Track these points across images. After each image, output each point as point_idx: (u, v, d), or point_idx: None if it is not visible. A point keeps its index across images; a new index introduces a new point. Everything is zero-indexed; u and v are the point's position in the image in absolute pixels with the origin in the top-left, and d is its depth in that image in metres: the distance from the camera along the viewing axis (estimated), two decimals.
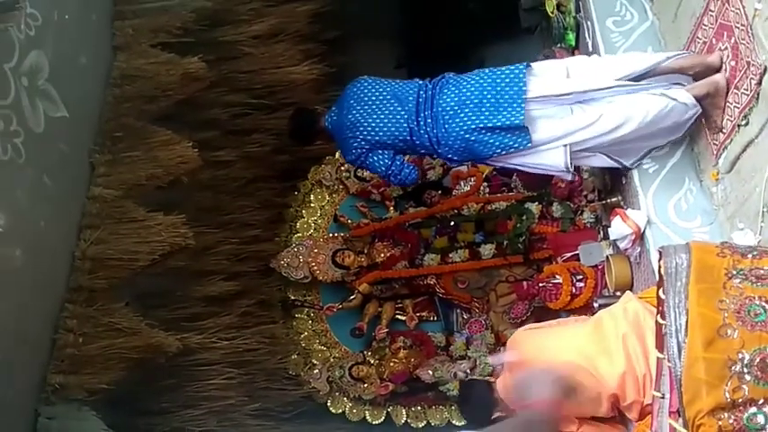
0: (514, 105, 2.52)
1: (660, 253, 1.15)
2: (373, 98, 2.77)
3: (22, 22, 2.55)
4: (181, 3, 3.29)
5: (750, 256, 1.02)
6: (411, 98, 2.70)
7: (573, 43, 3.39)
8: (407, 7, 4.87)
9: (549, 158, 2.59)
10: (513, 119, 2.50)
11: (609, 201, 3.00)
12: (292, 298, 4.24)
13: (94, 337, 2.74)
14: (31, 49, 2.64)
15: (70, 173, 2.88)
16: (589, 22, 3.09)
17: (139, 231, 2.82)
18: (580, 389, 1.79)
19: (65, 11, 2.88)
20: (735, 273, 0.99)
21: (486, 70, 2.68)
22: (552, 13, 3.39)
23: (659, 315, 1.27)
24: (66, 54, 2.87)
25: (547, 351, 2.20)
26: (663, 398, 1.34)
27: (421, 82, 2.77)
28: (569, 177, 2.72)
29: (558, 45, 3.50)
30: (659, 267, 1.17)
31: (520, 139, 2.54)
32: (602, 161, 2.67)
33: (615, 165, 2.68)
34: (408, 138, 2.70)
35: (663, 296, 1.14)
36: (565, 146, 2.54)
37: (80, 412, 2.64)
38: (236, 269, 3.63)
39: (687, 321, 1.03)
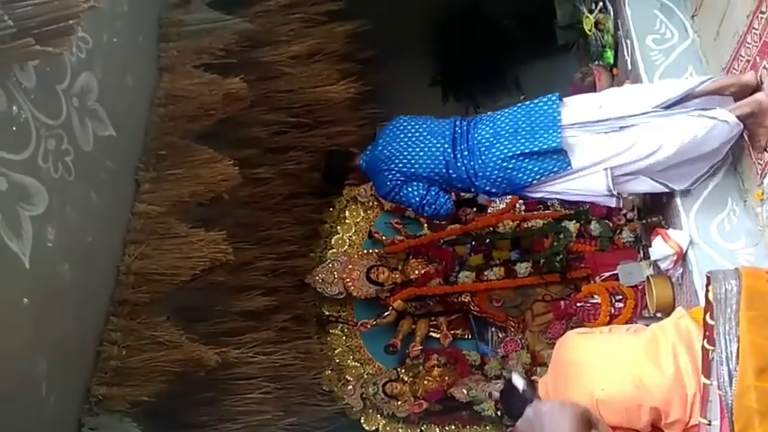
0: (551, 130, 2.51)
1: (708, 278, 1.13)
2: (409, 134, 2.78)
3: (74, 46, 2.65)
4: (223, 25, 3.38)
5: None
6: (447, 133, 2.71)
7: (612, 61, 3.37)
8: (442, 25, 4.91)
9: (591, 183, 2.54)
10: (550, 142, 2.49)
11: (649, 220, 2.96)
12: (327, 313, 4.28)
13: (137, 349, 2.80)
14: (82, 70, 2.74)
15: (116, 190, 2.97)
16: (628, 41, 3.07)
17: (181, 247, 2.88)
18: (599, 425, 1.75)
19: (113, 34, 2.98)
20: None
21: (518, 105, 2.70)
22: (590, 31, 3.38)
23: (706, 340, 1.25)
24: (114, 75, 2.98)
25: (600, 356, 2.14)
26: (709, 425, 1.31)
27: (455, 119, 2.79)
28: (614, 203, 2.63)
29: (597, 63, 3.48)
30: (707, 293, 1.16)
31: (559, 163, 2.51)
32: (646, 185, 2.60)
33: (662, 188, 2.60)
34: (444, 171, 2.68)
35: (711, 322, 1.12)
36: (605, 170, 2.50)
37: (122, 423, 2.69)
38: (273, 284, 3.68)
39: (738, 349, 1.01)
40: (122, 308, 2.84)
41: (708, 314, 1.14)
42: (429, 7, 4.50)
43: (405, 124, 2.83)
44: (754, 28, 2.47)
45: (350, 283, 4.17)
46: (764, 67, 2.43)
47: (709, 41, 2.86)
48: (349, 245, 4.50)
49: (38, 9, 2.19)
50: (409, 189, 2.73)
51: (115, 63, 2.99)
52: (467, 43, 4.88)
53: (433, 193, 2.73)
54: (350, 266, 4.23)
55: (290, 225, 4.00)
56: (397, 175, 2.72)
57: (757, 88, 2.46)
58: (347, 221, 4.56)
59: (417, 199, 2.72)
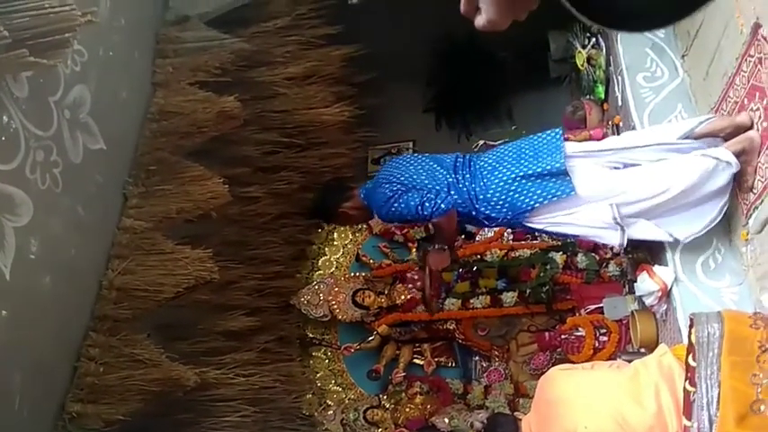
0: (554, 154, 2.50)
1: (691, 320, 1.13)
2: (411, 160, 2.76)
3: (69, 58, 2.65)
4: (220, 44, 3.40)
5: None
6: (449, 162, 2.69)
7: (602, 96, 3.41)
8: (439, 53, 4.97)
9: (596, 214, 2.46)
10: (554, 163, 2.47)
11: (635, 255, 2.97)
12: (310, 336, 4.24)
13: (115, 366, 2.76)
14: (76, 83, 2.74)
15: (103, 203, 2.95)
16: (619, 77, 3.12)
17: (166, 264, 2.86)
18: None
19: (109, 48, 2.99)
20: None
21: (521, 138, 2.68)
22: (582, 65, 3.43)
23: (688, 381, 1.24)
24: (108, 89, 2.98)
25: (582, 393, 2.12)
26: None
27: (457, 153, 2.76)
28: (618, 238, 2.48)
29: (588, 97, 3.53)
30: (690, 335, 1.16)
31: (563, 187, 2.45)
32: (649, 231, 2.51)
33: (666, 237, 2.52)
34: (446, 191, 2.61)
35: (693, 364, 1.12)
36: (611, 204, 2.44)
37: None
38: (257, 304, 3.65)
39: (719, 394, 1.01)
40: (102, 323, 2.80)
41: (690, 355, 1.14)
42: (426, 35, 4.56)
43: (409, 156, 2.86)
44: (742, 70, 2.51)
45: (335, 306, 4.14)
46: (752, 110, 2.47)
47: (699, 81, 2.90)
48: (336, 267, 4.49)
49: (34, 20, 2.19)
50: (410, 194, 2.59)
51: (109, 77, 3.00)
52: (462, 72, 4.94)
53: (434, 193, 2.57)
54: (336, 289, 4.21)
55: (278, 245, 3.98)
56: (398, 185, 2.62)
57: (750, 128, 2.49)
58: (335, 243, 4.55)
59: (417, 200, 2.55)
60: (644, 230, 2.51)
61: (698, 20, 2.84)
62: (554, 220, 2.51)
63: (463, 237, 4.30)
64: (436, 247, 2.75)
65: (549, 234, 3.02)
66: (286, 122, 3.87)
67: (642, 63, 3.03)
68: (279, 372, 3.51)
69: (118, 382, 2.74)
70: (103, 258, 2.93)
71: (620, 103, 3.14)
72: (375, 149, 5.10)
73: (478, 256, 4.13)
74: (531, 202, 2.48)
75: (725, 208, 2.50)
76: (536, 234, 4.07)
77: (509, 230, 4.16)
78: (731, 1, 2.55)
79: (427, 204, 2.54)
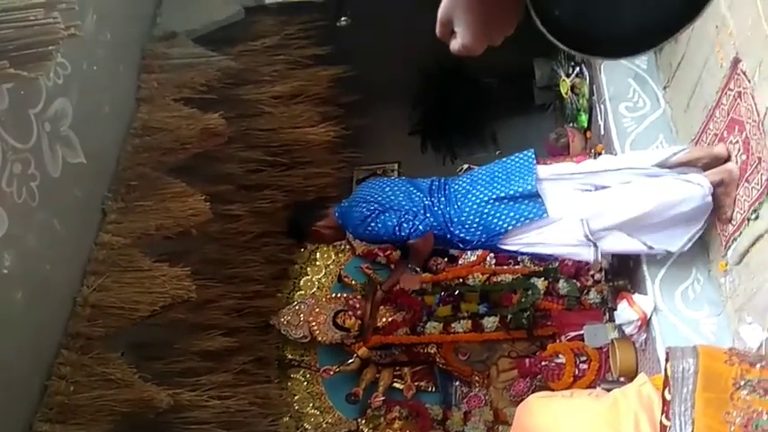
0: (526, 176, 2.54)
1: (667, 354, 1.13)
2: (388, 182, 2.81)
3: (51, 71, 2.63)
4: (207, 61, 3.40)
5: (758, 366, 0.99)
6: (424, 186, 2.73)
7: (585, 124, 3.45)
8: (426, 76, 5.01)
9: (566, 232, 2.50)
10: (525, 185, 2.51)
11: (616, 283, 2.98)
12: (289, 357, 4.18)
13: (86, 386, 2.69)
14: (58, 96, 2.71)
15: (81, 218, 2.90)
16: (602, 106, 3.15)
17: (143, 281, 2.81)
18: None
19: (94, 62, 2.97)
20: (743, 383, 0.96)
21: (495, 162, 2.72)
22: (566, 94, 3.47)
23: (664, 415, 1.23)
24: (90, 102, 2.95)
25: (561, 422, 2.10)
26: None
27: (434, 178, 2.79)
28: (592, 255, 2.51)
29: (571, 125, 3.57)
30: (665, 368, 1.15)
31: (535, 209, 2.49)
32: (623, 242, 2.53)
33: (641, 247, 2.54)
34: (422, 213, 2.64)
35: (669, 397, 1.11)
36: (581, 220, 2.48)
37: None
38: (236, 324, 3.60)
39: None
40: (75, 341, 2.74)
41: (666, 389, 1.13)
42: (413, 58, 4.60)
43: (384, 179, 2.87)
44: (722, 103, 2.55)
45: (315, 327, 4.10)
46: (731, 142, 2.50)
47: (680, 113, 2.94)
48: (318, 287, 4.45)
49: (18, 32, 2.17)
50: (386, 215, 2.61)
51: (93, 90, 2.97)
52: (448, 96, 4.98)
53: (411, 215, 2.59)
54: (317, 310, 4.17)
55: (259, 264, 3.94)
56: (375, 205, 2.65)
57: (727, 160, 2.52)
58: (318, 263, 4.51)
59: (395, 221, 2.56)
60: (617, 242, 2.53)
61: (679, 52, 2.89)
62: (527, 240, 2.54)
63: (446, 260, 4.29)
64: (409, 267, 2.77)
65: (525, 255, 3.05)
66: (271, 141, 3.86)
67: (625, 93, 3.07)
68: (255, 394, 3.45)
69: (88, 402, 2.67)
70: (79, 274, 2.87)
71: (602, 132, 3.17)
72: (360, 170, 5.11)
73: (461, 280, 4.12)
74: (505, 225, 2.51)
75: (695, 237, 2.54)
76: (518, 259, 4.09)
77: (492, 255, 4.16)
78: (712, 35, 2.60)
79: (405, 225, 2.56)
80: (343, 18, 4.02)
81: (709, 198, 2.46)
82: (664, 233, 2.52)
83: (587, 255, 2.52)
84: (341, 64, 4.15)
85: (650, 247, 2.55)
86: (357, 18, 4.06)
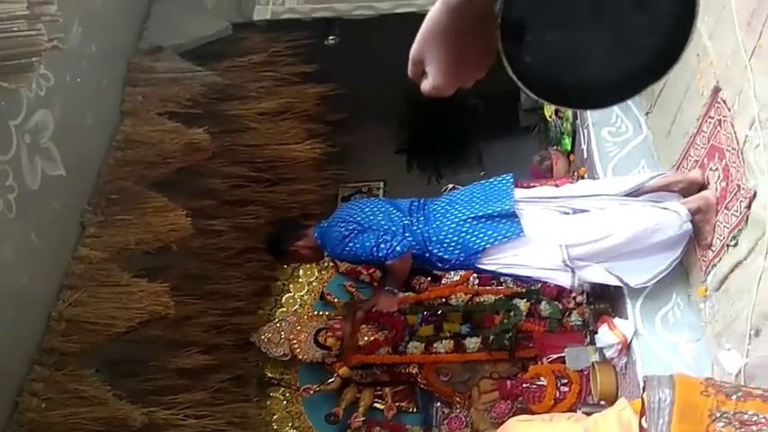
0: (503, 197, 2.58)
1: (644, 383, 1.12)
2: (368, 203, 2.86)
3: (33, 83, 2.61)
4: (193, 76, 3.39)
5: (734, 397, 0.99)
6: (404, 204, 2.77)
7: (569, 147, 3.48)
8: (412, 96, 5.03)
9: (545, 256, 2.52)
10: (504, 205, 2.55)
11: (597, 307, 2.98)
12: (269, 375, 4.13)
13: (59, 403, 2.63)
14: (39, 108, 2.69)
15: (59, 231, 2.86)
16: (585, 130, 3.19)
17: (120, 296, 2.77)
18: None
19: (77, 74, 2.95)
20: (718, 415, 0.96)
21: (474, 183, 2.77)
22: (551, 117, 3.50)
23: None
24: (72, 115, 2.92)
25: None
26: None
27: (414, 198, 2.83)
28: (569, 281, 2.54)
29: (555, 148, 3.60)
30: (642, 398, 1.15)
31: (513, 228, 2.53)
32: (600, 275, 2.57)
33: (617, 282, 2.57)
34: (401, 233, 2.67)
35: (645, 426, 1.10)
36: (560, 246, 2.50)
37: None
38: (215, 341, 3.55)
39: None
40: (49, 356, 2.68)
41: (643, 417, 1.12)
42: (400, 78, 4.60)
43: (364, 200, 2.90)
44: (702, 131, 2.59)
45: (296, 345, 4.05)
46: (711, 169, 2.53)
47: (662, 139, 2.98)
48: (300, 305, 4.41)
49: (0, 43, 2.15)
50: (365, 235, 2.63)
51: (75, 103, 2.95)
52: (435, 116, 5.01)
53: (390, 235, 2.61)
54: (298, 327, 4.13)
55: (241, 280, 3.90)
56: (355, 225, 2.67)
57: (704, 186, 2.55)
58: (300, 280, 4.48)
59: (373, 241, 2.58)
60: (594, 274, 2.56)
61: (661, 80, 2.94)
62: (505, 261, 2.57)
63: (429, 279, 4.28)
64: (386, 289, 2.79)
65: (503, 276, 3.08)
66: (256, 157, 3.85)
67: (608, 118, 3.11)
68: (233, 413, 3.39)
69: (60, 420, 2.61)
70: (55, 288, 2.82)
71: (585, 156, 3.20)
72: (345, 188, 5.10)
73: (444, 300, 4.11)
74: (483, 243, 2.54)
75: (675, 262, 2.56)
76: (501, 280, 4.09)
77: (475, 275, 4.16)
78: (693, 64, 2.64)
79: (383, 246, 2.58)
80: (331, 37, 4.04)
81: (688, 225, 2.48)
82: (641, 261, 2.54)
83: (564, 279, 2.55)
84: (328, 82, 4.16)
85: (626, 284, 2.57)
86: (345, 37, 4.08)
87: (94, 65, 3.11)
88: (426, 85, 0.72)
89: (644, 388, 1.14)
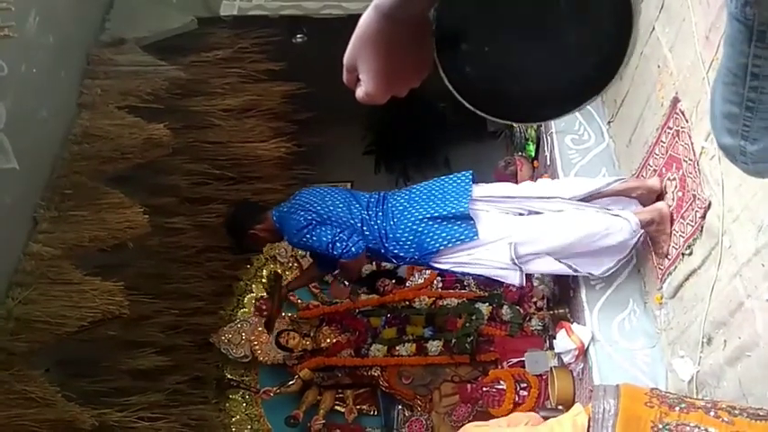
0: (460, 198, 2.62)
1: (591, 392, 1.13)
2: (330, 192, 2.84)
3: None
4: (155, 70, 3.31)
5: (678, 408, 1.00)
6: (364, 197, 2.80)
7: (533, 154, 3.51)
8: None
9: (494, 254, 2.59)
10: (458, 207, 2.59)
11: (556, 312, 3.01)
12: (229, 377, 4.06)
13: (4, 404, 2.53)
14: None
15: (10, 226, 2.76)
16: (549, 137, 3.21)
17: (72, 295, 2.68)
18: None
19: (33, 65, 2.85)
20: (661, 427, 0.96)
21: (434, 179, 2.80)
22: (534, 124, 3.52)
23: None
24: (27, 106, 2.82)
25: None
26: None
27: (374, 192, 2.87)
28: (517, 279, 2.63)
29: (520, 153, 3.62)
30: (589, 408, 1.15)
31: (467, 231, 2.58)
32: (549, 265, 2.64)
33: (566, 270, 2.65)
34: (359, 226, 2.72)
35: None
36: (509, 243, 2.56)
37: None
38: (172, 342, 3.47)
39: None
40: None
41: (590, 428, 1.12)
42: None
43: (324, 188, 2.89)
44: (661, 141, 2.63)
45: (257, 347, 4.00)
46: (669, 179, 2.58)
47: (623, 147, 3.02)
48: None
49: None
50: (323, 228, 2.69)
51: (30, 94, 2.85)
52: (403, 119, 5.00)
53: (347, 233, 2.68)
54: (260, 329, 4.07)
55: (201, 280, 3.82)
56: (314, 215, 2.71)
57: (661, 194, 2.59)
58: (263, 281, 4.42)
59: (329, 236, 2.65)
60: (544, 264, 2.63)
61: (624, 89, 2.98)
62: (458, 260, 2.63)
63: (394, 282, 4.27)
64: (339, 279, 2.94)
65: (457, 275, 3.14)
66: (219, 154, 3.78)
67: (571, 126, 3.14)
68: (189, 415, 3.32)
69: (5, 422, 2.51)
70: (4, 285, 2.72)
71: (548, 162, 3.22)
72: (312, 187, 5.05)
73: (407, 303, 4.10)
74: (437, 245, 2.59)
75: (622, 262, 2.64)
76: (465, 283, 4.11)
77: (439, 278, 4.17)
78: (654, 74, 2.68)
79: (338, 245, 2.65)
80: (299, 35, 3.99)
81: (639, 233, 2.53)
82: (589, 260, 2.61)
83: (513, 278, 2.62)
84: (295, 80, 4.11)
85: (575, 270, 2.65)
86: (313, 36, 4.04)
87: (52, 56, 3.01)
88: (360, 92, 0.70)
89: (590, 397, 1.14)
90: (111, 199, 2.94)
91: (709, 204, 2.21)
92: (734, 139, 0.68)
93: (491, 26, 0.58)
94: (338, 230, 2.66)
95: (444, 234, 2.58)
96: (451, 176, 2.74)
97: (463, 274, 3.30)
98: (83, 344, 2.88)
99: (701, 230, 2.27)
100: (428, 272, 4.17)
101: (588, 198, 2.60)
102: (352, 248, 2.64)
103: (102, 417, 2.68)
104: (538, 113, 0.64)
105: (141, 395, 3.05)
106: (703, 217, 2.25)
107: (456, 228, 2.58)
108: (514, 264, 2.54)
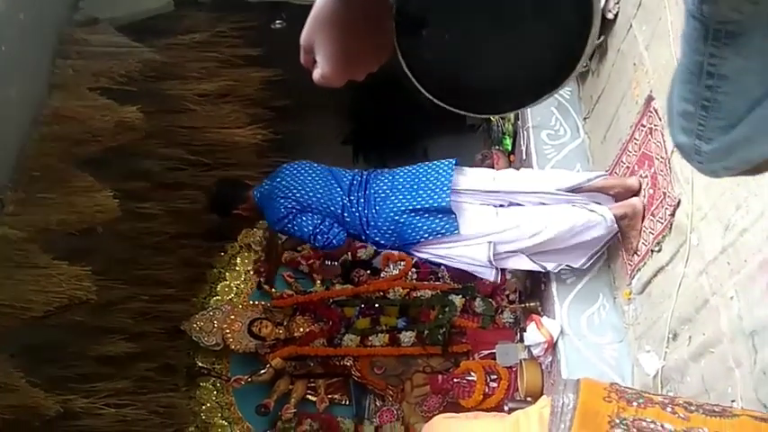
0: (442, 190, 2.63)
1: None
2: (310, 171, 2.82)
3: None
4: (129, 51, 3.24)
5: (635, 404, 1.01)
6: (346, 180, 2.79)
7: (509, 148, 3.52)
8: (360, 88, 4.99)
9: (473, 252, 2.63)
10: (440, 201, 2.60)
11: (527, 305, 3.04)
12: (200, 365, 4.03)
13: None
14: None
15: None
16: (525, 132, 3.23)
17: (39, 279, 2.62)
18: None
19: (2, 42, 2.76)
20: (618, 422, 0.97)
21: (418, 164, 2.80)
22: (494, 117, 3.53)
23: None
24: None
25: None
26: None
27: (356, 170, 2.86)
28: (492, 276, 2.71)
29: (497, 147, 3.63)
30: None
31: (447, 225, 2.60)
32: (524, 263, 2.71)
33: (538, 268, 2.72)
34: (340, 213, 2.72)
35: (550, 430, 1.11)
36: (489, 242, 2.60)
37: None
38: (141, 329, 3.42)
39: None
40: None
41: (550, 422, 1.13)
42: None
43: (306, 165, 2.87)
44: (635, 138, 2.66)
45: (229, 335, 3.97)
46: (642, 176, 2.61)
47: (597, 144, 3.05)
48: (236, 293, 4.31)
49: None
50: (303, 218, 2.72)
51: None
52: (382, 110, 4.98)
53: (327, 223, 2.72)
54: (232, 317, 4.05)
55: (173, 266, 3.78)
56: (294, 203, 2.73)
57: (637, 194, 2.63)
58: (237, 268, 4.38)
59: (311, 227, 2.70)
60: (519, 263, 2.70)
61: (600, 86, 3.00)
62: (437, 252, 2.68)
63: (368, 272, 4.27)
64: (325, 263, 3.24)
65: (436, 266, 3.17)
66: (194, 139, 3.73)
67: (548, 121, 3.16)
68: (158, 402, 3.28)
69: None
70: None
71: (524, 157, 3.24)
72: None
73: (381, 294, 4.10)
74: (417, 236, 2.63)
75: (594, 257, 2.70)
76: (439, 275, 4.13)
77: (414, 269, 4.18)
78: (630, 72, 2.71)
79: (320, 237, 2.70)
80: (278, 21, 3.94)
81: (613, 229, 2.57)
82: (564, 255, 2.67)
83: (489, 275, 2.68)
84: (273, 67, 4.06)
85: (545, 269, 2.72)
86: (292, 22, 3.98)
87: (23, 34, 2.93)
88: (316, 74, 0.69)
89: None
90: (81, 182, 2.88)
91: (679, 202, 2.24)
92: (689, 138, 0.68)
93: (452, 14, 0.57)
94: (318, 221, 2.69)
95: (425, 227, 2.60)
96: (434, 164, 2.75)
97: (440, 265, 3.50)
98: (49, 329, 2.82)
99: (671, 228, 2.31)
100: (403, 263, 4.18)
101: (569, 191, 2.63)
102: (333, 241, 2.70)
103: (68, 403, 2.64)
104: (495, 106, 0.63)
105: (108, 382, 3.01)
106: (673, 214, 2.28)
107: (437, 221, 2.60)
108: (491, 264, 2.59)
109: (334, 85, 0.68)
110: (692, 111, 0.65)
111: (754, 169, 0.70)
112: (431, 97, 0.61)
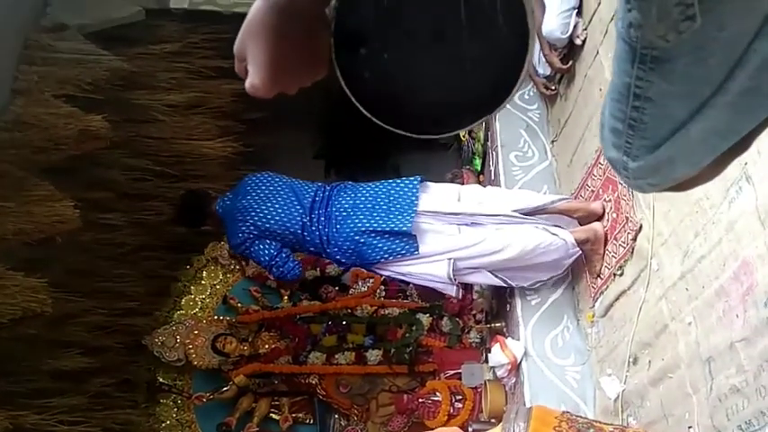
0: (405, 214, 2.62)
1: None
2: (271, 188, 2.79)
3: None
4: (97, 59, 3.19)
5: None
6: (308, 195, 2.75)
7: (479, 168, 3.54)
8: (333, 102, 4.98)
9: (434, 269, 2.64)
10: (401, 225, 2.59)
11: (493, 325, 3.04)
12: (160, 380, 3.93)
13: None
14: None
15: None
16: (494, 152, 3.25)
17: None
18: None
19: None
20: None
21: (383, 181, 2.79)
22: (464, 137, 3.55)
23: None
24: None
25: None
26: None
27: (320, 184, 2.82)
28: (453, 292, 2.72)
29: (467, 167, 3.65)
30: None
31: (408, 246, 2.61)
32: (486, 278, 2.72)
33: (500, 283, 2.72)
34: (300, 232, 2.69)
35: None
36: (449, 259, 2.60)
37: None
38: (99, 343, 3.32)
39: None
40: None
41: None
42: (323, 82, 4.56)
43: (269, 179, 2.84)
44: (600, 162, 2.69)
45: (192, 351, 3.88)
46: (605, 200, 2.64)
47: (564, 167, 3.08)
48: (200, 308, 4.23)
49: None
50: (261, 246, 2.72)
51: None
52: (354, 125, 4.95)
53: (284, 255, 2.74)
54: (196, 332, 3.96)
55: (136, 279, 3.69)
56: (251, 228, 2.71)
57: (600, 217, 2.65)
58: (203, 282, 4.31)
59: (267, 258, 2.72)
60: (481, 277, 2.72)
61: (568, 110, 3.04)
62: (398, 270, 2.69)
63: (337, 289, 4.23)
64: None
65: (399, 282, 3.19)
66: (161, 150, 3.67)
67: (516, 142, 3.19)
68: (114, 419, 3.18)
69: None
70: None
71: (493, 177, 3.26)
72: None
73: (349, 310, 4.07)
74: (377, 257, 2.63)
75: (555, 279, 2.74)
76: (407, 293, 4.11)
77: (382, 287, 4.15)
78: (596, 97, 2.75)
79: (275, 270, 2.74)
80: None
81: (574, 252, 2.59)
82: (523, 273, 2.70)
83: (450, 290, 2.70)
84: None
85: (508, 283, 2.74)
86: None
87: None
88: (246, 83, 0.67)
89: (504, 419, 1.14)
90: (40, 191, 2.81)
91: (641, 227, 2.27)
92: (618, 153, 0.69)
93: (391, 32, 0.56)
94: (275, 252, 2.70)
95: (385, 248, 2.61)
96: (399, 182, 2.75)
97: (408, 283, 3.50)
98: (0, 342, 2.72)
99: (632, 252, 2.33)
100: (372, 280, 4.15)
101: (532, 213, 2.65)
102: (288, 275, 2.75)
103: (18, 419, 2.54)
104: (434, 127, 0.62)
105: (62, 397, 2.91)
106: (634, 239, 2.31)
107: (397, 242, 2.60)
108: (450, 280, 2.60)
109: (263, 95, 0.66)
110: (621, 129, 0.66)
111: (678, 186, 0.72)
112: (370, 116, 0.60)
